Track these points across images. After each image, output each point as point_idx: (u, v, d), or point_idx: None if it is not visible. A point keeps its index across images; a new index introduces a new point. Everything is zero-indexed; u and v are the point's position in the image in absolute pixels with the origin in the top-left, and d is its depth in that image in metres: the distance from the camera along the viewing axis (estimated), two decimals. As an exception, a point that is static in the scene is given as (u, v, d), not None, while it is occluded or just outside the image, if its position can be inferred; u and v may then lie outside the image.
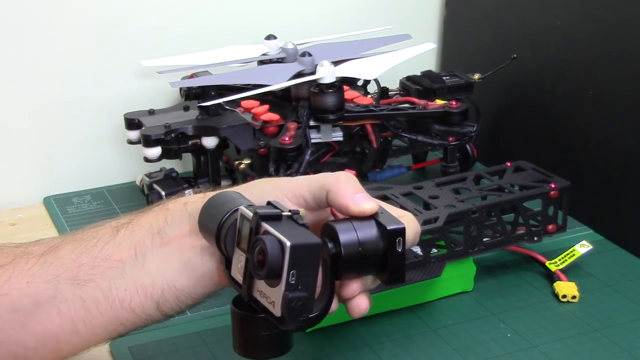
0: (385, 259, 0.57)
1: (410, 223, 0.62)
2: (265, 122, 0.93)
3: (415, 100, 0.99)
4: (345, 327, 0.78)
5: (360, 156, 0.97)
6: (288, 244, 0.52)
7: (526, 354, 0.75)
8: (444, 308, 0.82)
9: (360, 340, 0.77)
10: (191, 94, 1.02)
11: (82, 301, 0.61)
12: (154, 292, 0.61)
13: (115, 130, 1.08)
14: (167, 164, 0.97)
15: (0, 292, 0.60)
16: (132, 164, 1.08)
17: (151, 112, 0.98)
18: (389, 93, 1.04)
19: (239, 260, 0.56)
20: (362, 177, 0.98)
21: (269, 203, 0.57)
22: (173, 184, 0.95)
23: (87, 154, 1.09)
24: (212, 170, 0.97)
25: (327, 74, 0.91)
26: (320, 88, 0.91)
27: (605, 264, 0.88)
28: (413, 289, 0.80)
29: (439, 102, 0.99)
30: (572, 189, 0.86)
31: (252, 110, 0.94)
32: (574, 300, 0.82)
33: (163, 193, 0.93)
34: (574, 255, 0.86)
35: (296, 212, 0.55)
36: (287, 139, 0.88)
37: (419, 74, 1.05)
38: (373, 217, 0.58)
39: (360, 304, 0.60)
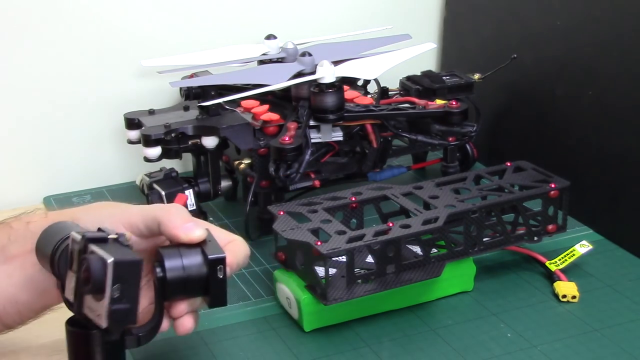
0: (208, 283, 0.63)
1: (238, 248, 0.67)
2: (265, 122, 0.93)
3: (415, 100, 0.99)
4: (345, 327, 0.79)
5: (360, 156, 0.97)
6: (109, 260, 0.57)
7: (526, 354, 0.75)
8: (444, 308, 0.82)
9: (360, 340, 0.77)
10: (191, 94, 1.02)
11: None
12: None
13: (115, 130, 1.08)
14: (167, 164, 0.97)
15: None
16: (132, 164, 1.08)
17: (151, 112, 0.98)
18: (389, 93, 1.03)
19: (71, 281, 0.60)
20: (362, 177, 0.99)
21: (99, 229, 0.61)
22: (173, 183, 0.95)
23: (87, 154, 1.09)
24: (212, 170, 0.97)
25: (327, 74, 0.91)
26: (320, 88, 0.91)
27: (605, 264, 0.89)
28: (413, 289, 0.80)
29: (439, 102, 0.99)
30: (572, 189, 0.86)
31: (252, 110, 0.94)
32: (574, 300, 0.82)
33: (163, 193, 0.93)
34: (574, 255, 0.86)
35: (122, 235, 0.60)
36: (287, 138, 0.88)
37: (419, 74, 1.05)
38: (201, 245, 0.64)
39: (186, 323, 0.65)
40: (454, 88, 1.02)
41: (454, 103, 0.97)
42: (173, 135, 0.93)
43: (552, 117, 1.01)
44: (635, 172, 0.90)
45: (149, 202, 0.94)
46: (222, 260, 0.63)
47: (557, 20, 0.99)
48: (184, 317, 0.64)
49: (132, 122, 0.97)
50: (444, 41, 1.22)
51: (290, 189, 0.96)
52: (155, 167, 0.97)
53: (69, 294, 0.60)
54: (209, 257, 0.62)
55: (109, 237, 0.59)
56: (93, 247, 0.58)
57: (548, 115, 1.02)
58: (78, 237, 0.59)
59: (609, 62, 0.92)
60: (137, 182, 1.02)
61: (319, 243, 0.75)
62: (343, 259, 0.77)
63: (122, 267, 0.57)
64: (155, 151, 0.93)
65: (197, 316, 0.66)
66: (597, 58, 0.94)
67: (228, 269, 0.63)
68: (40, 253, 0.63)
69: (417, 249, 0.81)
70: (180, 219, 0.64)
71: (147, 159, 0.94)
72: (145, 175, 0.98)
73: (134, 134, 0.97)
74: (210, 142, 0.94)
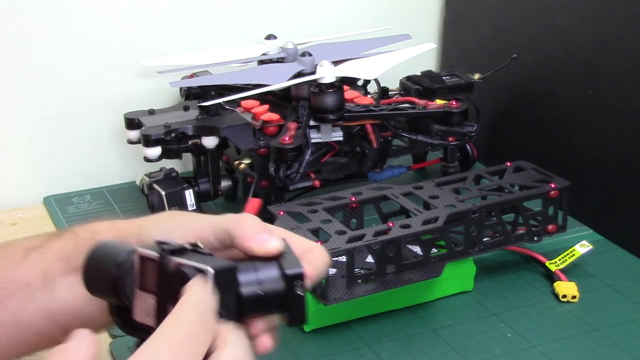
0: (286, 300, 0.58)
1: (318, 258, 0.62)
2: (265, 122, 0.93)
3: (415, 100, 0.99)
4: (345, 327, 0.78)
5: (360, 156, 0.97)
6: (211, 270, 0.53)
7: (526, 354, 0.75)
8: (444, 308, 0.82)
9: (360, 340, 0.77)
10: (191, 94, 1.02)
11: None
12: (60, 318, 0.62)
13: (115, 130, 1.08)
14: (167, 163, 0.97)
15: None
16: (132, 164, 1.08)
17: (151, 112, 0.98)
18: (389, 93, 1.04)
19: (145, 303, 0.56)
20: (362, 177, 0.99)
21: (158, 242, 0.56)
22: (173, 183, 0.95)
23: (87, 154, 1.09)
24: (212, 170, 0.97)
25: (327, 74, 0.91)
26: (320, 88, 0.91)
27: (605, 264, 0.89)
28: (413, 289, 0.80)
29: (439, 102, 0.99)
30: (572, 189, 0.86)
31: (252, 110, 0.94)
32: (574, 300, 0.82)
33: (163, 193, 0.93)
34: (574, 255, 0.86)
35: (195, 244, 0.56)
36: (287, 138, 0.88)
37: (419, 74, 1.05)
38: (277, 257, 0.59)
39: (264, 342, 0.60)
40: (454, 88, 1.02)
41: (454, 103, 0.97)
42: (173, 135, 0.93)
43: (552, 117, 1.01)
44: (635, 172, 0.90)
45: (149, 202, 0.94)
46: (300, 276, 0.58)
47: (557, 20, 0.99)
48: (262, 337, 0.59)
49: (132, 122, 0.97)
50: (444, 41, 1.22)
51: (290, 189, 0.96)
52: (155, 167, 0.97)
53: (142, 316, 0.56)
54: (287, 272, 0.57)
55: (185, 246, 0.55)
56: (179, 260, 0.54)
57: (548, 116, 1.02)
58: (151, 252, 0.55)
59: (609, 62, 0.92)
60: (137, 182, 1.02)
61: (319, 243, 0.75)
62: (343, 259, 0.77)
63: (222, 275, 0.53)
64: (155, 151, 0.93)
65: (276, 334, 0.62)
66: (597, 58, 0.94)
67: (307, 281, 0.58)
68: (92, 278, 0.58)
69: (417, 249, 0.81)
70: (253, 230, 0.59)
71: (147, 159, 0.94)
72: (145, 175, 0.98)
73: (134, 134, 0.97)
74: (210, 142, 0.94)
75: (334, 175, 0.98)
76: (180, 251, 0.54)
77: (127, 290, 0.56)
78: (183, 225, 0.62)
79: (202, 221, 0.62)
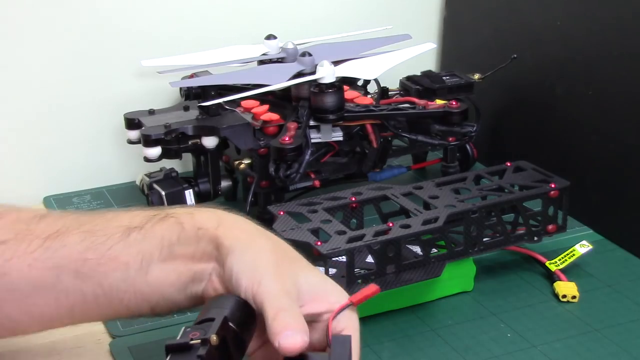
0: None
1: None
2: (265, 122, 0.93)
3: (415, 100, 0.99)
4: (345, 327, 0.78)
5: (360, 156, 0.97)
6: None
7: (526, 354, 0.75)
8: (444, 308, 0.82)
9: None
10: (191, 94, 1.02)
11: (83, 294, 0.62)
12: (151, 300, 0.64)
13: (115, 130, 1.08)
14: (167, 164, 0.97)
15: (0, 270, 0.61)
16: (132, 164, 1.08)
17: (151, 112, 0.98)
18: (389, 93, 1.04)
19: None
20: (362, 177, 0.99)
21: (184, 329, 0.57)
22: (173, 183, 0.95)
23: (87, 154, 1.09)
24: (212, 170, 0.97)
25: (327, 74, 0.91)
26: (320, 88, 0.91)
27: (605, 264, 0.89)
28: (413, 289, 0.80)
29: (439, 102, 0.99)
30: (572, 189, 0.86)
31: (252, 110, 0.94)
32: (574, 300, 0.82)
33: (163, 193, 0.93)
34: (574, 255, 0.86)
35: (205, 343, 0.55)
36: (287, 139, 0.88)
37: (419, 74, 1.05)
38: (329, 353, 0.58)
39: None
40: (454, 88, 1.02)
41: (454, 103, 0.97)
42: (173, 135, 0.93)
43: (552, 117, 1.01)
44: (635, 172, 0.90)
45: (149, 203, 0.94)
46: None
47: (557, 20, 0.99)
48: None
49: (132, 122, 0.97)
50: (444, 41, 1.22)
51: (290, 189, 0.96)
52: (155, 167, 0.97)
53: None
54: None
55: (192, 342, 0.55)
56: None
57: (548, 115, 1.02)
58: (177, 337, 0.56)
59: (609, 62, 0.92)
60: (137, 182, 1.02)
61: (319, 243, 0.75)
62: (343, 259, 0.77)
63: None
64: (155, 151, 0.93)
65: None
66: (597, 58, 0.94)
67: None
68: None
69: (417, 249, 0.81)
70: (282, 326, 0.57)
71: (147, 159, 0.94)
72: (145, 175, 0.98)
73: (134, 134, 0.97)
74: (210, 142, 0.94)
75: (334, 175, 0.98)
76: (182, 349, 0.55)
77: None
78: (251, 275, 0.61)
79: (264, 278, 0.61)
